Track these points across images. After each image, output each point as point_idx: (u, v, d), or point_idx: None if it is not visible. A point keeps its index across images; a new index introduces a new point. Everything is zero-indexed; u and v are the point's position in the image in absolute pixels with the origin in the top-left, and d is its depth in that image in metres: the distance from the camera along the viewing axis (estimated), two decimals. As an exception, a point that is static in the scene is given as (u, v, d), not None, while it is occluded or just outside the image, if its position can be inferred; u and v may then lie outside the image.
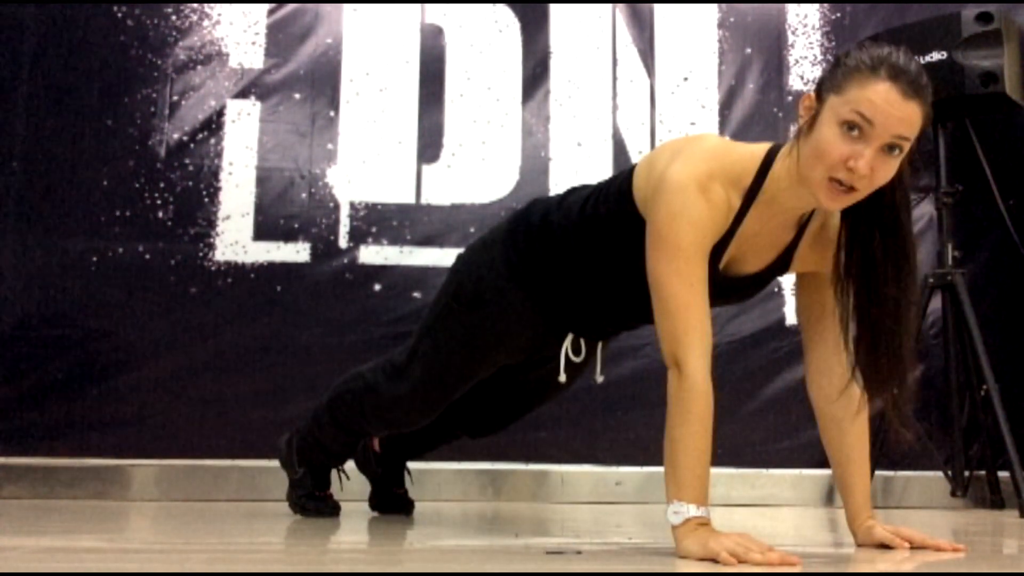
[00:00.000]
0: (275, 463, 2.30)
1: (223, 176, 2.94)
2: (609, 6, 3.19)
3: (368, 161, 3.02)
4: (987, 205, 3.09)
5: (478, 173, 3.06)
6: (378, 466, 2.32)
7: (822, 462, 2.71)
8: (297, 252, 2.93)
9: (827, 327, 1.61)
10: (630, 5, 3.20)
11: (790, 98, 3.20)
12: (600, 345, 1.94)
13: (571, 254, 1.73)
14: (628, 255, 1.59)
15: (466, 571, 1.27)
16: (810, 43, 3.25)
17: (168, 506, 2.51)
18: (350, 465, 2.33)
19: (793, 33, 3.25)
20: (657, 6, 3.21)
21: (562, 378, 1.88)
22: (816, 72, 3.19)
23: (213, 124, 2.96)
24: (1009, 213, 3.08)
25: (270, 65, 3.02)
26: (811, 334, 1.65)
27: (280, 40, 3.04)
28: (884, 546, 1.58)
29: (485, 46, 3.13)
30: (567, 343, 1.86)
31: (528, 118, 3.11)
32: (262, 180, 2.96)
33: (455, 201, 3.04)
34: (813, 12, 3.27)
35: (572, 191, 1.82)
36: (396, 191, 3.02)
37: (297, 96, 3.02)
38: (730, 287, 1.62)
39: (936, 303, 2.97)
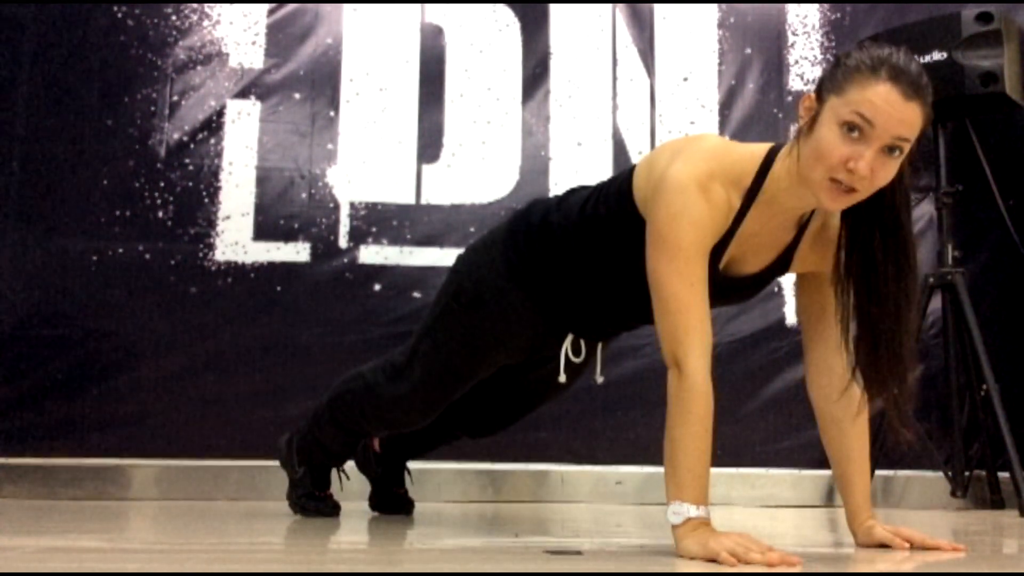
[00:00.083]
0: (275, 463, 2.30)
1: (223, 176, 2.94)
2: (609, 6, 3.19)
3: (368, 161, 3.02)
4: (987, 205, 3.09)
5: (478, 173, 3.06)
6: (378, 466, 2.32)
7: (822, 462, 2.70)
8: (297, 252, 2.93)
9: (827, 327, 1.61)
10: (630, 5, 3.20)
11: (790, 98, 3.20)
12: (600, 345, 1.94)
13: (571, 254, 1.73)
14: (628, 255, 1.59)
15: (466, 571, 1.27)
16: (810, 43, 3.25)
17: (168, 506, 2.50)
18: (350, 465, 2.33)
19: (793, 33, 3.25)
20: (657, 6, 3.21)
21: (562, 378, 1.88)
22: (816, 72, 3.19)
23: (213, 124, 2.96)
24: (1009, 213, 3.08)
25: (270, 65, 3.02)
26: (811, 334, 1.65)
27: (280, 40, 3.04)
28: (884, 546, 1.58)
29: (485, 46, 3.13)
30: (567, 343, 1.86)
31: (528, 118, 3.11)
32: (262, 180, 2.96)
33: (455, 201, 3.04)
34: (813, 12, 3.26)
35: (572, 192, 1.82)
36: (396, 191, 3.02)
37: (297, 96, 3.02)
38: (730, 287, 1.62)
39: (936, 303, 2.97)
